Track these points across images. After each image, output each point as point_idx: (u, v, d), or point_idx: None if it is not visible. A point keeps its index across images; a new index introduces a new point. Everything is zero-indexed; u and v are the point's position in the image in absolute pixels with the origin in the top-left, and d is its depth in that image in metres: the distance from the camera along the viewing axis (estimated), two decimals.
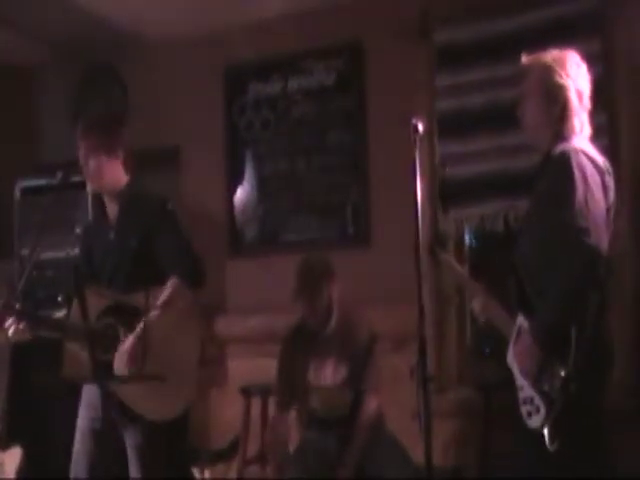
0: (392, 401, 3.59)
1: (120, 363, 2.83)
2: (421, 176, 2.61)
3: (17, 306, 2.85)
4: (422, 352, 2.51)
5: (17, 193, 4.87)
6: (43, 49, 5.27)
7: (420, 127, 2.60)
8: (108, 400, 2.79)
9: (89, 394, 3.01)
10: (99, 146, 3.03)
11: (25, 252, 4.57)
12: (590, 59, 2.73)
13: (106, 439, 2.95)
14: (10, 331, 2.85)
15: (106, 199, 3.12)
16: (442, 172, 4.30)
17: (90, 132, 3.05)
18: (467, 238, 4.36)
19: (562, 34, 3.84)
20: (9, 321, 2.83)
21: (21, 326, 2.84)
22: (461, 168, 4.25)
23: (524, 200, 3.93)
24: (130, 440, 2.93)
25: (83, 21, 4.78)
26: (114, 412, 2.89)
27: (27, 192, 4.82)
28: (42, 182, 4.48)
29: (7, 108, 5.37)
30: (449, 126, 4.30)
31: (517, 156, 4.05)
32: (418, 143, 2.60)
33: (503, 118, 4.09)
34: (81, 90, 5.43)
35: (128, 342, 2.84)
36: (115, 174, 3.08)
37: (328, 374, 3.49)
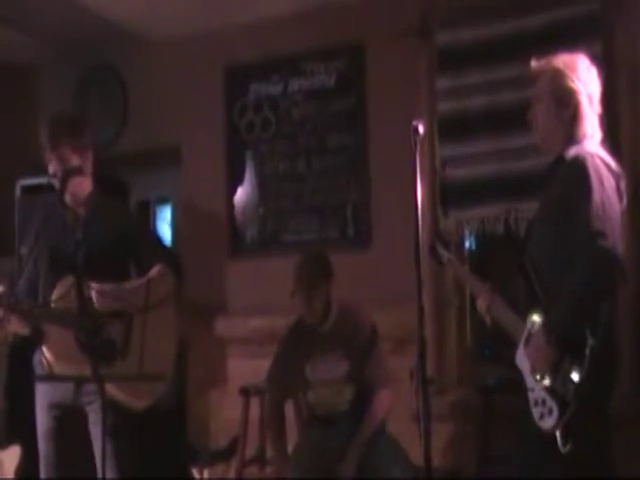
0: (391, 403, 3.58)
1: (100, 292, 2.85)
2: (421, 178, 2.61)
3: (10, 299, 2.85)
4: (422, 354, 2.51)
5: (17, 191, 4.87)
6: (43, 47, 5.27)
7: (421, 129, 2.60)
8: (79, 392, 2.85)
9: (48, 393, 3.01)
10: (71, 150, 3.00)
11: (25, 251, 4.56)
12: (591, 62, 2.73)
13: (71, 435, 2.96)
14: (7, 325, 2.85)
15: (70, 198, 3.08)
16: (442, 173, 4.30)
17: (60, 138, 3.00)
18: (467, 240, 4.36)
19: (563, 37, 3.86)
20: (1, 313, 2.84)
21: (13, 318, 2.84)
22: (461, 170, 4.25)
23: (525, 203, 3.98)
24: (100, 430, 2.91)
25: (84, 20, 4.78)
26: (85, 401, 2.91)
27: (27, 191, 4.82)
28: (42, 181, 4.48)
29: (8, 106, 5.38)
30: (450, 128, 4.30)
31: (518, 158, 4.05)
32: (418, 145, 2.59)
33: (504, 120, 4.11)
34: (81, 89, 5.44)
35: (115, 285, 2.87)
36: (82, 185, 3.08)
37: (327, 370, 3.49)
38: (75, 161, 3.01)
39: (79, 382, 2.89)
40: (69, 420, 2.97)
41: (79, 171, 2.99)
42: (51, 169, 3.02)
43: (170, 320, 3.05)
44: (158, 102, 5.09)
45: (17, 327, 2.90)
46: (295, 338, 3.63)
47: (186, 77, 5.05)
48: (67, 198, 3.07)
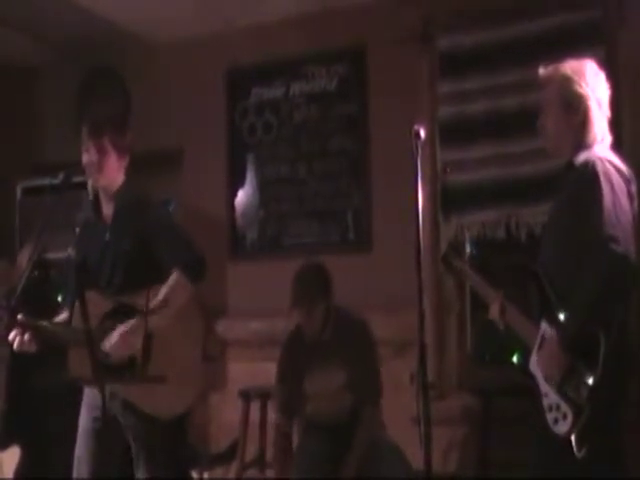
0: (392, 407, 3.58)
1: (111, 345, 2.81)
2: (422, 182, 2.61)
3: (19, 318, 2.84)
4: (422, 358, 2.51)
5: (18, 193, 4.87)
6: (45, 50, 5.28)
7: (422, 133, 2.60)
8: (109, 401, 2.79)
9: (91, 394, 3.00)
10: (112, 144, 3.02)
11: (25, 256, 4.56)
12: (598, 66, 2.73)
13: (108, 439, 2.94)
14: (15, 344, 2.84)
15: (103, 198, 3.10)
16: (443, 177, 4.30)
17: (103, 130, 3.02)
18: (468, 245, 4.36)
19: (564, 42, 3.87)
20: (13, 333, 2.83)
21: (26, 338, 2.83)
22: (462, 175, 4.25)
23: (525, 207, 3.99)
24: (136, 439, 2.93)
25: (85, 22, 4.79)
26: (117, 411, 2.89)
27: (28, 192, 4.82)
28: (43, 182, 4.49)
29: (9, 108, 5.38)
30: (451, 133, 4.31)
31: (518, 163, 4.06)
32: (419, 149, 2.60)
33: (505, 125, 4.12)
34: (83, 92, 5.44)
35: (127, 325, 2.82)
36: (117, 174, 3.08)
37: (325, 380, 3.48)
38: (112, 157, 3.02)
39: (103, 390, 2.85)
40: (111, 426, 2.91)
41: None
42: (85, 158, 3.01)
43: (194, 324, 3.04)
44: (160, 105, 5.09)
45: (27, 347, 2.88)
46: (293, 352, 3.58)
47: (188, 80, 5.06)
48: (101, 194, 3.08)
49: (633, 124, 3.90)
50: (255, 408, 4.31)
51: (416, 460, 2.86)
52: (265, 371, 3.81)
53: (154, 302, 2.78)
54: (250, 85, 4.95)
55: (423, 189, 2.61)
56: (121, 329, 2.84)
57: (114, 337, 2.84)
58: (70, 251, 3.18)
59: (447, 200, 4.30)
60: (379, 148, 4.55)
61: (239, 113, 4.98)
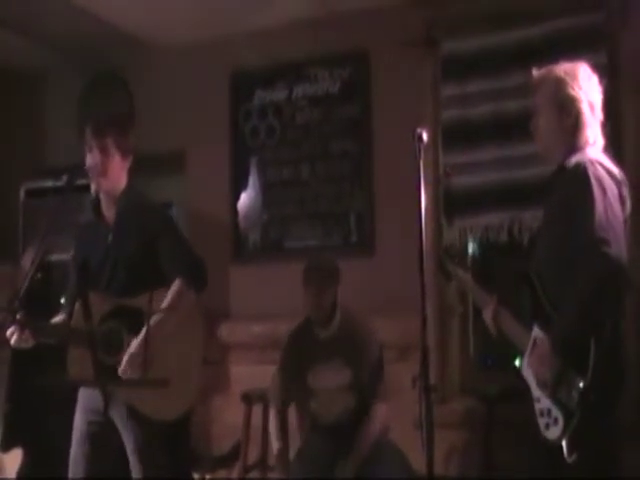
0: (394, 410, 3.58)
1: (126, 367, 2.82)
2: (425, 185, 2.61)
3: (18, 315, 2.84)
4: (424, 362, 2.51)
5: (22, 195, 4.88)
6: (49, 52, 5.28)
7: (424, 136, 2.61)
8: (109, 403, 2.78)
9: (86, 397, 3.00)
10: (115, 146, 3.02)
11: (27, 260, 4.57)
12: (595, 71, 2.74)
13: (104, 442, 2.94)
14: (13, 340, 2.84)
15: (104, 200, 3.10)
16: (446, 181, 4.30)
17: (106, 131, 3.02)
18: (470, 248, 4.36)
19: (568, 46, 3.86)
20: (11, 329, 2.83)
21: (24, 335, 2.84)
22: (465, 178, 4.25)
23: (528, 211, 3.99)
24: (132, 442, 2.92)
25: (89, 25, 4.78)
26: (115, 412, 2.89)
27: (32, 194, 4.83)
28: (47, 184, 4.50)
29: (12, 110, 5.39)
30: (454, 136, 4.31)
31: (522, 167, 4.06)
32: (422, 152, 2.60)
33: (508, 129, 4.12)
34: (86, 94, 5.45)
35: (133, 346, 2.82)
36: (120, 175, 3.08)
37: (329, 377, 3.49)
38: (116, 158, 3.02)
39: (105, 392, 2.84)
40: (105, 429, 2.91)
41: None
42: (89, 160, 3.00)
43: (195, 327, 3.04)
44: (163, 107, 5.09)
45: (25, 343, 2.89)
46: (296, 346, 3.62)
47: (191, 83, 5.06)
48: (102, 196, 3.09)
49: (635, 126, 3.89)
50: (257, 411, 4.31)
51: (418, 464, 2.86)
52: (267, 374, 3.81)
53: (159, 308, 2.79)
54: (253, 88, 4.96)
55: (426, 192, 2.62)
56: (132, 350, 2.81)
57: (128, 359, 2.81)
58: (71, 252, 3.18)
59: (450, 203, 4.30)
60: (382, 151, 4.55)
61: (242, 116, 4.98)
